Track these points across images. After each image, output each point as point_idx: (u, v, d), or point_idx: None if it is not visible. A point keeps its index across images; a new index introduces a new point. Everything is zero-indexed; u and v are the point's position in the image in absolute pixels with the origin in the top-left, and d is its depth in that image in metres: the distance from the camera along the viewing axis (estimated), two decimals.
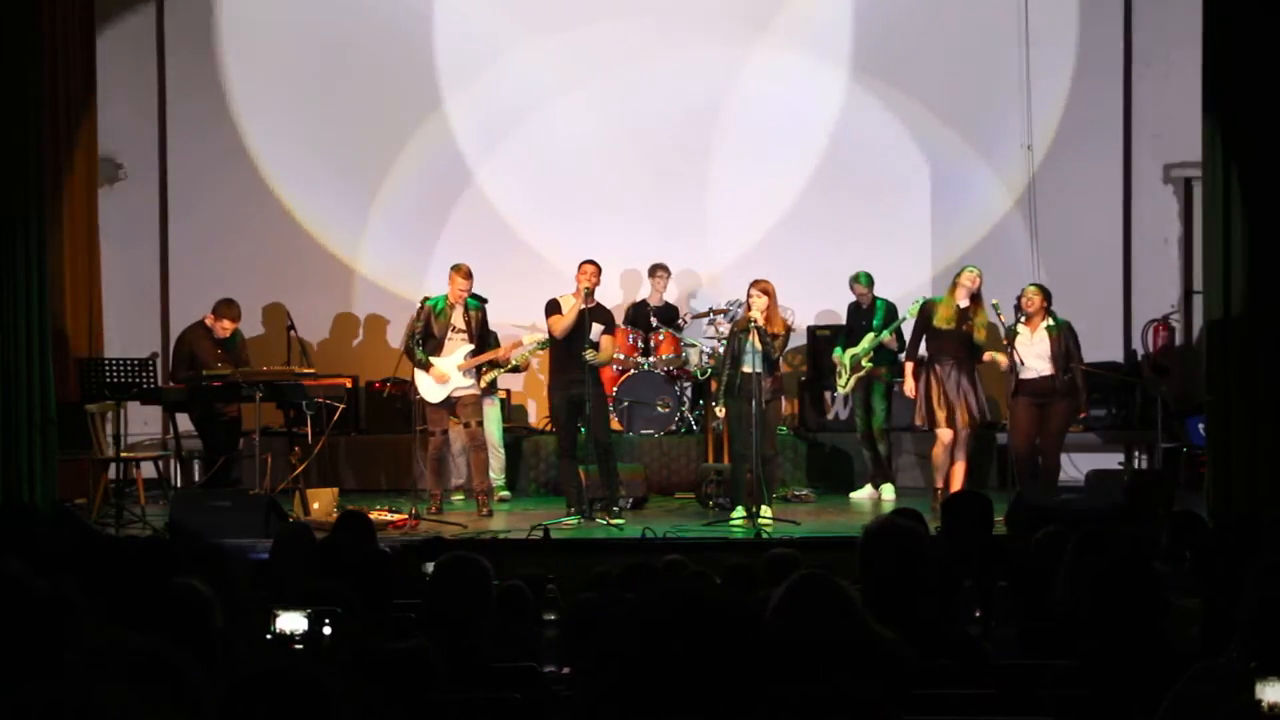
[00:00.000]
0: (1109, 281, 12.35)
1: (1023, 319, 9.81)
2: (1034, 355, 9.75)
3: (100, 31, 11.52)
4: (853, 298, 11.08)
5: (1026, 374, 9.78)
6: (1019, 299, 9.88)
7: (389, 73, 12.52)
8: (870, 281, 10.97)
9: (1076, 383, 9.84)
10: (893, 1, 12.39)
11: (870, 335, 10.73)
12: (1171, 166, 12.34)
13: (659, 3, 12.49)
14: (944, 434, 9.92)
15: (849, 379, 10.82)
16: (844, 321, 11.25)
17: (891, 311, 10.78)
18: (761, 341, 9.40)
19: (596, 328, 9.68)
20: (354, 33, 12.50)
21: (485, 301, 10.16)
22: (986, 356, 9.99)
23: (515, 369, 10.97)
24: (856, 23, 12.40)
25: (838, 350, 10.97)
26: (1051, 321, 9.81)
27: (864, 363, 10.74)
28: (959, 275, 10.06)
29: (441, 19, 12.51)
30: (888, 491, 10.87)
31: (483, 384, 10.55)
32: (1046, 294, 9.91)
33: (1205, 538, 5.90)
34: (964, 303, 9.92)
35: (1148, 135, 12.31)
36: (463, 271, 9.95)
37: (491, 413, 11.04)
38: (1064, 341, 9.79)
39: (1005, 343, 9.76)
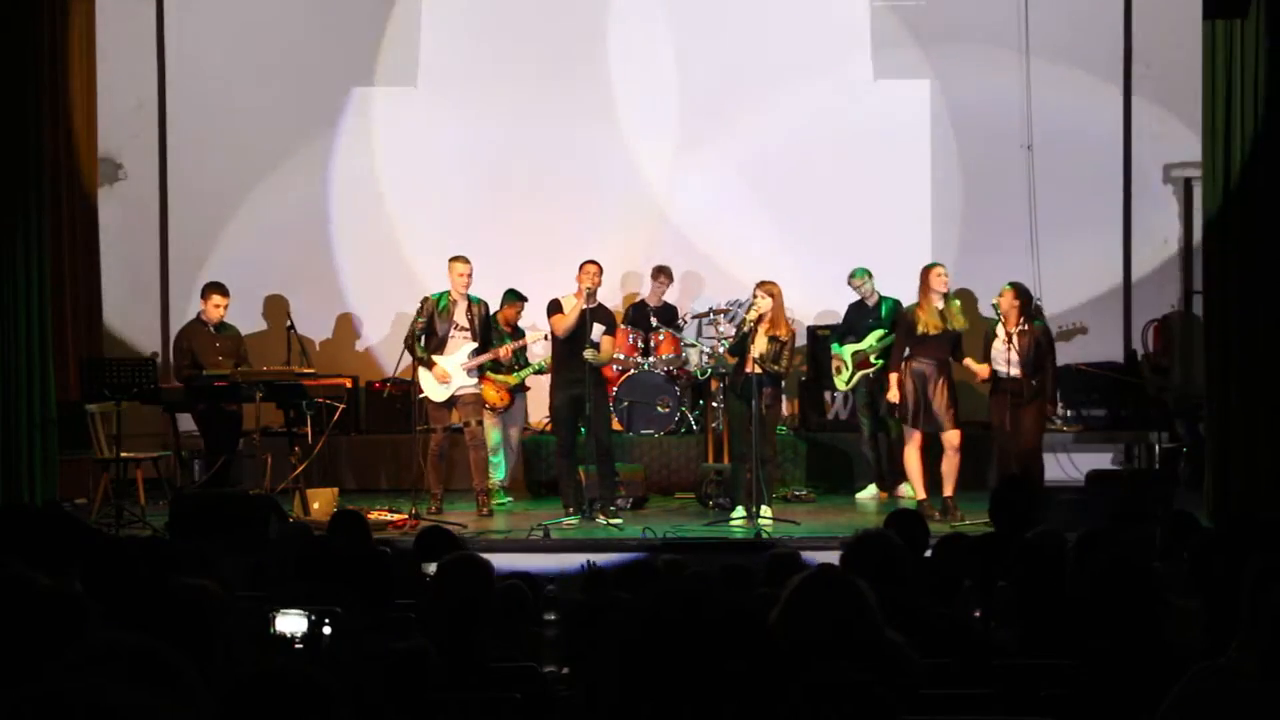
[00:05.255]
0: (1109, 281, 12.34)
1: (1000, 319, 9.76)
2: (1004, 359, 9.69)
3: (100, 31, 11.49)
4: (854, 296, 10.96)
5: (1002, 373, 9.73)
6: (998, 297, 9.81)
7: (399, 72, 12.54)
8: (870, 275, 10.89)
9: (1044, 387, 9.76)
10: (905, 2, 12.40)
11: (879, 331, 10.54)
12: (1171, 166, 12.33)
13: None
14: (914, 435, 9.80)
15: (850, 375, 10.68)
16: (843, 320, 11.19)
17: (897, 309, 10.47)
18: (762, 364, 9.35)
19: (598, 328, 9.67)
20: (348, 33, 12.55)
21: (486, 305, 10.19)
22: (965, 362, 9.89)
23: (541, 371, 10.95)
24: (874, 18, 12.39)
25: (835, 346, 10.85)
26: (1025, 325, 9.72)
27: (872, 359, 10.57)
28: (928, 276, 9.79)
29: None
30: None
31: (515, 379, 10.62)
32: (1022, 293, 9.80)
33: (1204, 537, 5.89)
34: (940, 304, 9.79)
35: (1148, 135, 12.30)
36: (463, 259, 9.95)
37: (518, 413, 11.06)
38: (1034, 345, 9.72)
39: (985, 340, 9.72)
